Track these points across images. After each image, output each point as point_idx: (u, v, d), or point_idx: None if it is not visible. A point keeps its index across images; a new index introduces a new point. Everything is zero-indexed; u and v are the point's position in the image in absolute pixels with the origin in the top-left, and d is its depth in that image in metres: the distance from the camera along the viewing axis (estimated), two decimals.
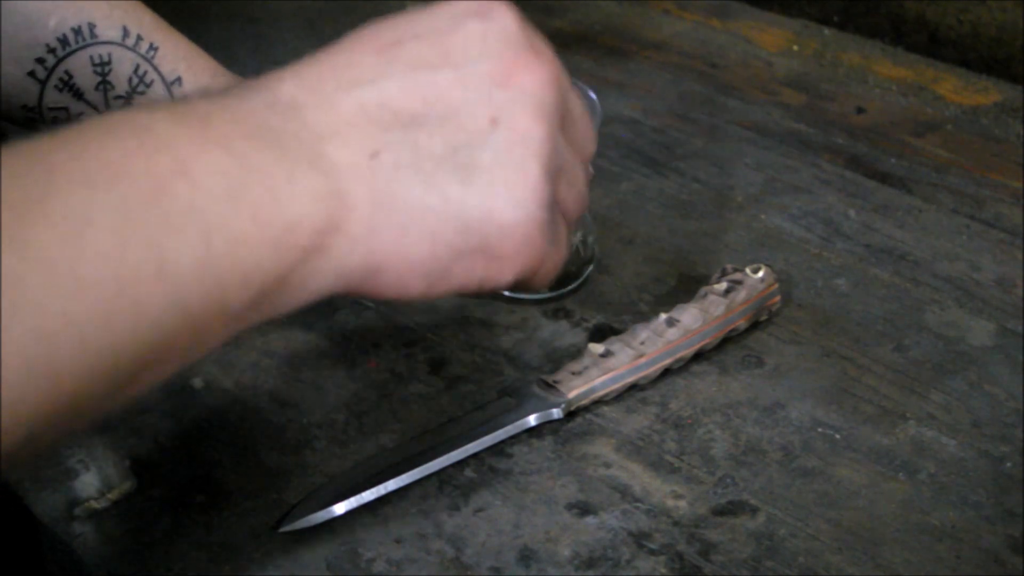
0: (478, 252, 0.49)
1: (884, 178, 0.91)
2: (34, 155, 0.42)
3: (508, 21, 0.50)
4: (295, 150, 0.45)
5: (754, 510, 0.66)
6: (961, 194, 0.89)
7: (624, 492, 0.67)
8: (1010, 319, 0.77)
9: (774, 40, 1.09)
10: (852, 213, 0.87)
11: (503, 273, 0.50)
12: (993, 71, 1.02)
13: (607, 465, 0.68)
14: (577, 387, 0.70)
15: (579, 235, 0.80)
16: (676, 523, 0.65)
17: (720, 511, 0.66)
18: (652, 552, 0.63)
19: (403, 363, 0.75)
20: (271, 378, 0.74)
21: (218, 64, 0.73)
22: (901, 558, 0.63)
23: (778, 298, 0.77)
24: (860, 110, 0.99)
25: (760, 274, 0.75)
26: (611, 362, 0.71)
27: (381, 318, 0.78)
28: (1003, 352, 0.75)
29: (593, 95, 0.77)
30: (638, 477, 0.68)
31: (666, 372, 0.73)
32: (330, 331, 0.78)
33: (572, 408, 0.70)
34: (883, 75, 1.03)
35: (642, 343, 0.72)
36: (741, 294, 0.74)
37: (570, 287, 0.80)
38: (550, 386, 0.70)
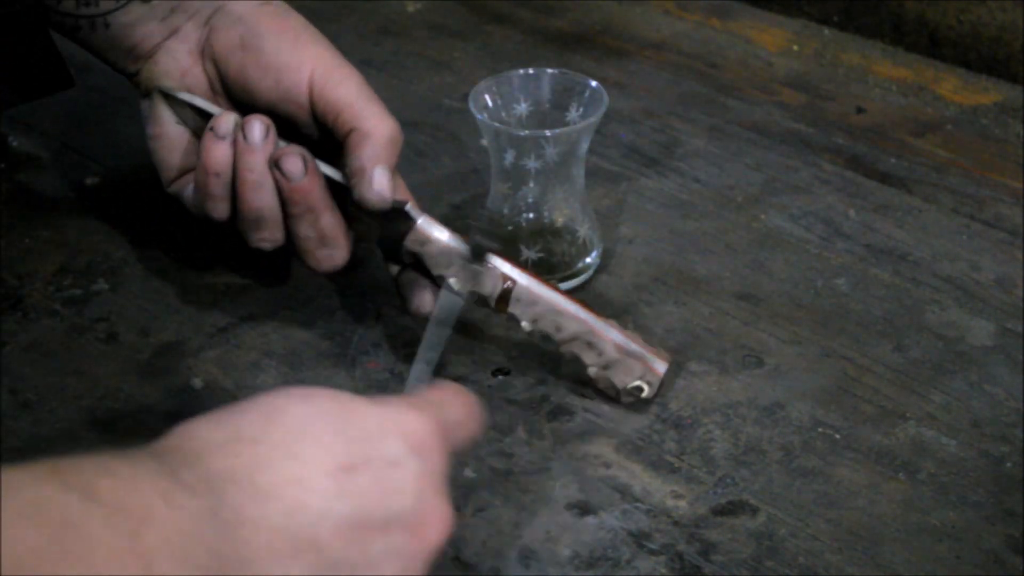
0: None
1: (884, 178, 0.91)
2: None
3: (438, 461, 0.52)
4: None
5: (754, 510, 0.66)
6: (961, 194, 0.89)
7: (624, 492, 0.67)
8: (1010, 319, 0.77)
9: (774, 40, 1.09)
10: (852, 213, 0.87)
11: None
12: (993, 71, 1.02)
13: (607, 465, 0.68)
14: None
15: (581, 233, 0.80)
16: (676, 523, 0.65)
17: (720, 511, 0.66)
18: (652, 552, 0.63)
19: (403, 363, 0.75)
20: (271, 378, 0.74)
21: None
22: (901, 558, 0.63)
23: (638, 395, 0.71)
24: (860, 110, 0.99)
25: (642, 382, 0.70)
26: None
27: (381, 318, 0.78)
28: (1003, 352, 0.75)
29: (596, 84, 0.78)
30: (638, 477, 0.68)
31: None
32: (330, 331, 0.78)
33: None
34: (883, 75, 1.03)
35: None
36: (612, 354, 0.70)
37: (570, 286, 0.80)
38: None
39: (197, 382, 0.74)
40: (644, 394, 0.71)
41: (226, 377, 0.74)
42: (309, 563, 0.47)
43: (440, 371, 0.74)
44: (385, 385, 0.74)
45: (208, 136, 0.70)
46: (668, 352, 0.72)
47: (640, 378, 0.70)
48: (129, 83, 0.77)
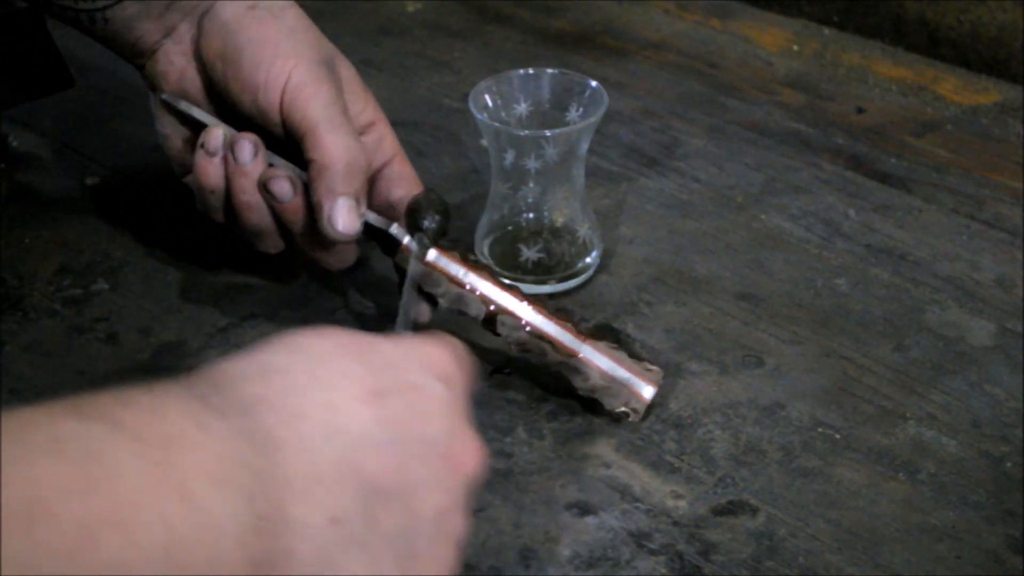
0: None
1: (884, 178, 0.91)
2: None
3: (462, 389, 0.52)
4: (259, 501, 0.43)
5: (754, 510, 0.66)
6: (961, 194, 0.89)
7: (624, 492, 0.67)
8: (1010, 319, 0.77)
9: (774, 40, 1.09)
10: (852, 213, 0.87)
11: None
12: (993, 71, 1.02)
13: (607, 465, 0.68)
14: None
15: (581, 233, 0.80)
16: (676, 523, 0.65)
17: (720, 511, 0.66)
18: (652, 552, 0.63)
19: None
20: None
21: None
22: (901, 558, 0.63)
23: (634, 410, 0.70)
24: (860, 110, 0.99)
25: (639, 394, 0.70)
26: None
27: (381, 318, 0.78)
28: (1003, 352, 0.75)
29: (596, 84, 0.78)
30: (638, 477, 0.68)
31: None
32: None
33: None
34: (883, 75, 1.03)
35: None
36: (597, 380, 0.70)
37: (570, 286, 0.80)
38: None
39: None
40: (630, 419, 0.70)
41: None
42: (354, 489, 0.46)
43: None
44: None
45: (199, 153, 0.72)
46: (659, 368, 0.71)
47: (625, 404, 0.70)
48: (135, 78, 0.77)
